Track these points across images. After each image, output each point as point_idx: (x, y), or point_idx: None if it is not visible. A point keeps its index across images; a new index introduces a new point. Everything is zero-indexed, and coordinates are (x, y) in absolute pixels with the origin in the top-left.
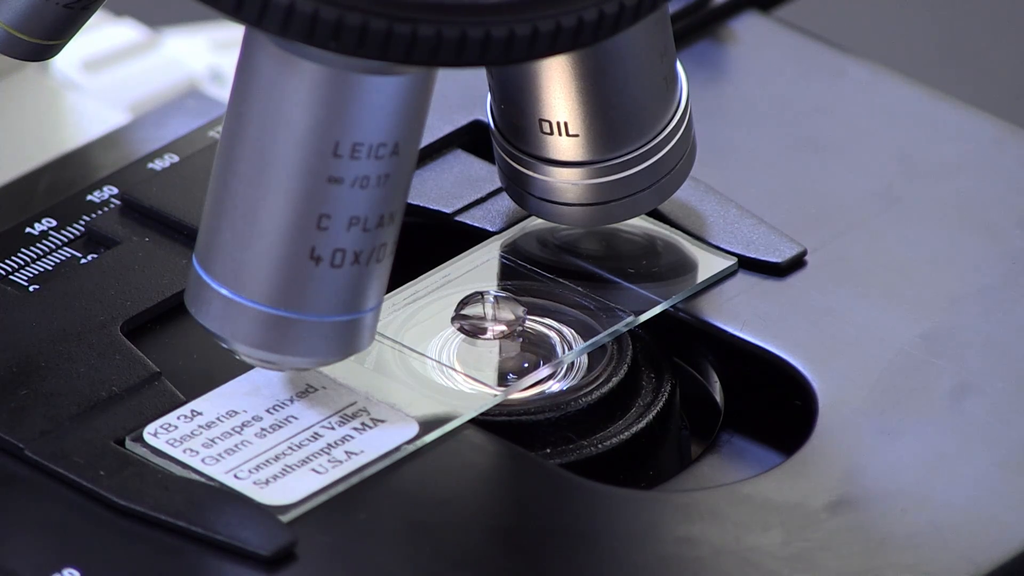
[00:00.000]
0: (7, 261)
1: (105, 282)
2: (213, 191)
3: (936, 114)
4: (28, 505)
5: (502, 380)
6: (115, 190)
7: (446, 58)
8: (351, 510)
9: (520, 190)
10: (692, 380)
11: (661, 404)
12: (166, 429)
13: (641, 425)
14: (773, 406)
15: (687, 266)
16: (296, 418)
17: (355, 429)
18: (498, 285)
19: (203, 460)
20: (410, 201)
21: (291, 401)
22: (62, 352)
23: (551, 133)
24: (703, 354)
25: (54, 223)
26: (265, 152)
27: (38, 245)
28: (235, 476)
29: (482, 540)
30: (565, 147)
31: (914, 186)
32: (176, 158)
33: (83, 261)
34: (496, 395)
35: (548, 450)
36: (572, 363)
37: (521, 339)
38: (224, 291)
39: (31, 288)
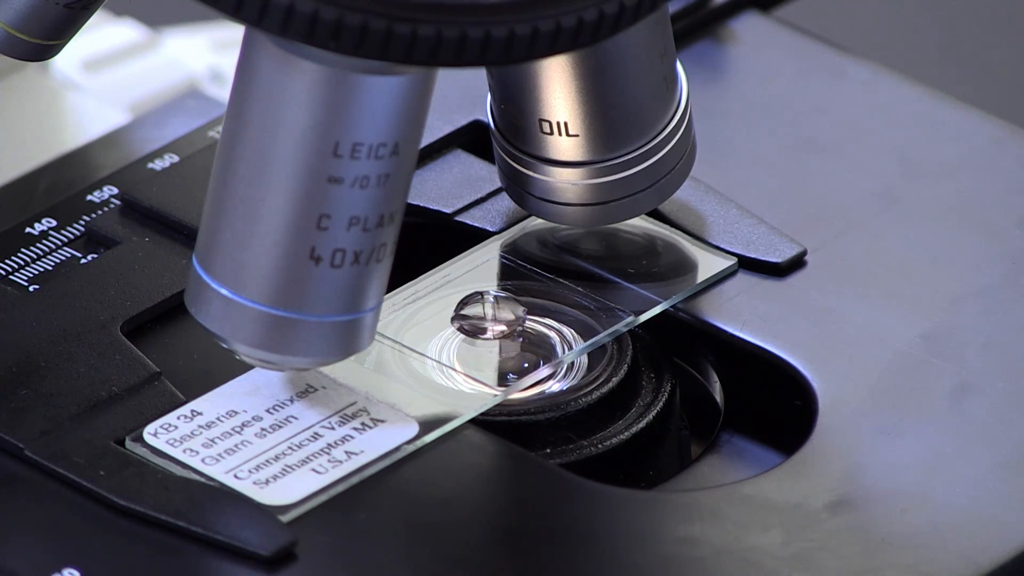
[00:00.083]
0: (7, 261)
1: (105, 282)
2: (213, 191)
3: (936, 114)
4: (28, 505)
5: (502, 380)
6: (115, 190)
7: (446, 58)
8: (351, 510)
9: (520, 190)
10: (692, 380)
11: (661, 404)
12: (166, 429)
13: (641, 425)
14: (773, 406)
15: (687, 266)
16: (296, 418)
17: (355, 429)
18: (498, 285)
19: (203, 460)
20: (410, 201)
21: (291, 401)
22: (62, 352)
23: (551, 133)
24: (703, 354)
25: (54, 223)
26: (265, 152)
27: (38, 245)
28: (235, 476)
29: (482, 540)
30: (565, 147)
31: (914, 186)
32: (176, 158)
33: (83, 261)
34: (496, 395)
35: (548, 450)
36: (572, 363)
37: (521, 339)
38: (224, 291)
39: (31, 288)
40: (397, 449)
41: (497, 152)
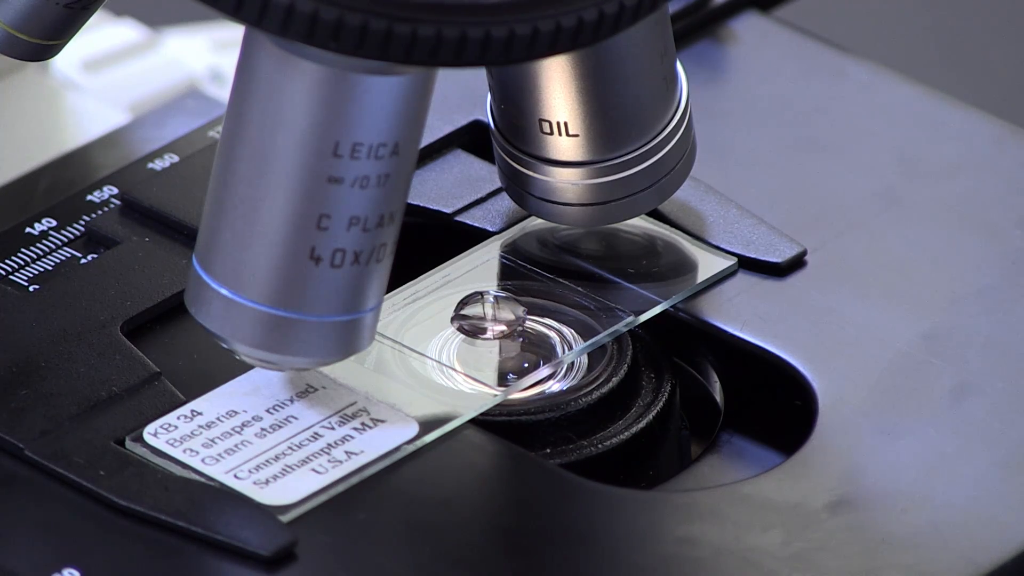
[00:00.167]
0: (7, 261)
1: (105, 282)
2: (213, 191)
3: (936, 114)
4: (28, 505)
5: (502, 380)
6: (115, 190)
7: (446, 58)
8: (351, 510)
9: (520, 190)
10: (692, 380)
11: (661, 404)
12: (166, 429)
13: (641, 425)
14: (773, 406)
15: (687, 266)
16: (296, 418)
17: (355, 429)
18: (498, 285)
19: (203, 460)
20: (410, 201)
21: (291, 401)
22: (62, 352)
23: (551, 133)
24: (703, 354)
25: (54, 223)
26: (265, 152)
27: (38, 245)
28: (235, 476)
29: (482, 540)
30: (565, 147)
31: (914, 186)
32: (176, 158)
33: (83, 261)
34: (496, 395)
35: (548, 450)
36: (572, 363)
37: (521, 339)
38: (224, 291)
39: (31, 288)
40: (397, 449)
41: (497, 152)
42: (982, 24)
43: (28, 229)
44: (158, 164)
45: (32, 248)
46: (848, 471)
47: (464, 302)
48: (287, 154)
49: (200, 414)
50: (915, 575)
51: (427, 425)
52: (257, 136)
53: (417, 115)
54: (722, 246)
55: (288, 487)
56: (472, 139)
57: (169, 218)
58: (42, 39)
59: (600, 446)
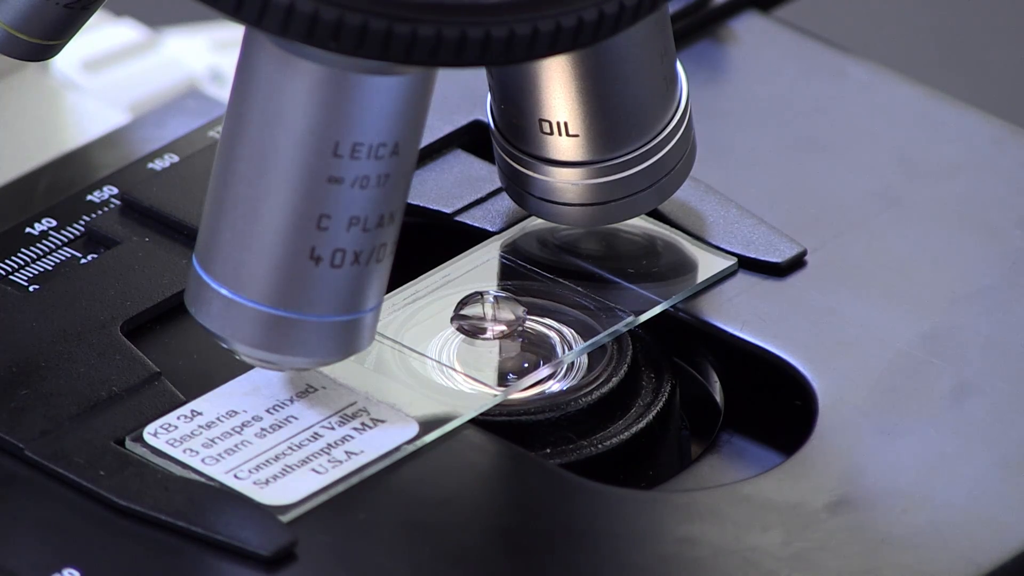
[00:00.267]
0: (7, 261)
1: (105, 282)
2: (213, 191)
3: (936, 114)
4: (28, 505)
5: (502, 380)
6: (115, 190)
7: (446, 58)
8: (351, 510)
9: (520, 190)
10: (692, 380)
11: (661, 404)
12: (166, 429)
13: (641, 425)
14: (773, 406)
15: (687, 266)
16: (296, 418)
17: (355, 429)
18: (498, 285)
19: (203, 460)
20: (410, 201)
21: (291, 401)
22: (62, 352)
23: (551, 133)
24: (703, 354)
25: (54, 223)
26: (265, 152)
27: (38, 245)
28: (235, 476)
29: (482, 540)
30: (565, 147)
31: (914, 186)
32: (176, 158)
33: (83, 261)
34: (496, 395)
35: (548, 450)
36: (572, 363)
37: (521, 339)
38: (224, 291)
39: (31, 288)
40: (397, 449)
41: (497, 152)
42: (982, 24)
43: (28, 229)
44: (158, 164)
45: (32, 248)
46: (848, 471)
47: (464, 302)
48: (287, 154)
49: (200, 414)
50: (915, 575)
51: (427, 425)
52: (257, 136)
53: (417, 115)
54: (722, 246)
55: (288, 487)
56: (472, 139)
57: (169, 218)
58: (42, 39)
59: (600, 446)
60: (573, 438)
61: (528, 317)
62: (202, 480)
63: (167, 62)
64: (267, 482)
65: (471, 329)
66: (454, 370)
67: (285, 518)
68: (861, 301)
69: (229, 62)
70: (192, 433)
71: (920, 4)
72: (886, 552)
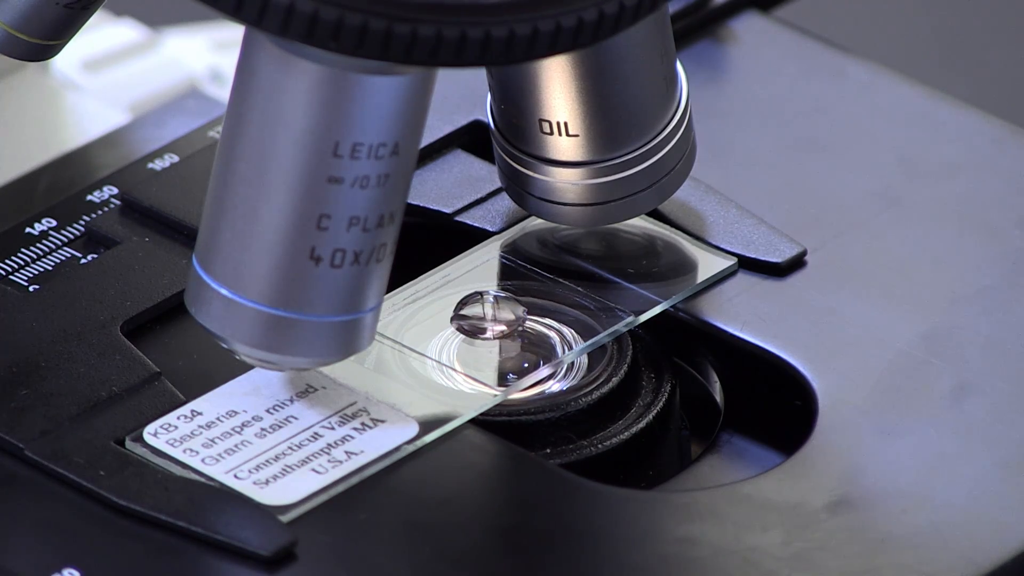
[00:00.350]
0: (7, 261)
1: (105, 282)
2: (213, 191)
3: (936, 114)
4: (28, 505)
5: (502, 380)
6: (115, 190)
7: (446, 58)
8: (351, 510)
9: (520, 190)
10: (692, 380)
11: (661, 404)
12: (166, 429)
13: (641, 425)
14: (773, 406)
15: (687, 266)
16: (296, 418)
17: (355, 429)
18: (498, 285)
19: (203, 460)
20: (410, 201)
21: (291, 401)
22: (62, 352)
23: (551, 133)
24: (703, 354)
25: (54, 223)
26: (265, 152)
27: (38, 245)
28: (235, 476)
29: (482, 540)
30: (565, 147)
31: (914, 186)
32: (176, 158)
33: (83, 261)
34: (496, 395)
35: (548, 450)
36: (572, 363)
37: (521, 339)
38: (224, 291)
39: (31, 288)
40: (397, 449)
41: (497, 152)
42: (982, 24)
43: (28, 229)
44: (158, 164)
45: (32, 248)
46: (848, 471)
47: (464, 302)
48: (287, 154)
49: (200, 414)
50: (915, 575)
51: (427, 425)
52: (257, 136)
53: (417, 115)
54: (722, 246)
55: (288, 487)
56: (472, 139)
57: (169, 218)
58: (42, 39)
59: (600, 446)
60: (573, 438)
61: (528, 317)
62: (202, 480)
63: (167, 62)
64: (267, 482)
65: (471, 329)
66: (454, 370)
67: (285, 518)
68: (861, 301)
69: (229, 62)
70: (192, 433)
71: (920, 4)
72: (886, 552)
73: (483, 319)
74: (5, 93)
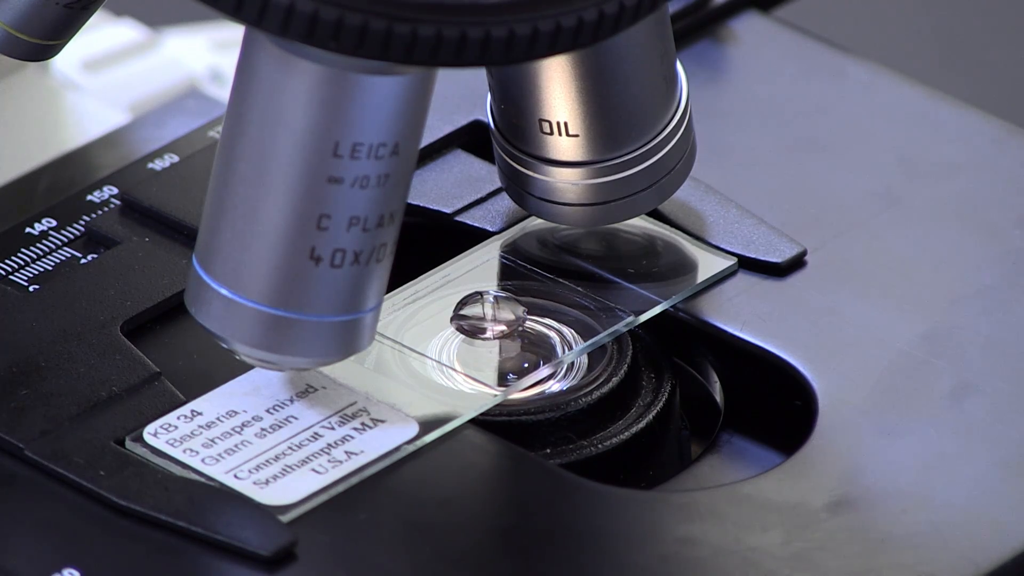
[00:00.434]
0: (7, 261)
1: (105, 282)
2: (213, 191)
3: (936, 114)
4: (28, 505)
5: (502, 380)
6: (115, 190)
7: (446, 58)
8: (351, 510)
9: (520, 190)
10: (692, 380)
11: (661, 404)
12: (166, 429)
13: (641, 425)
14: (773, 406)
15: (687, 266)
16: (296, 418)
17: (355, 429)
18: (498, 285)
19: (203, 460)
20: (410, 201)
21: (291, 401)
22: (62, 352)
23: (551, 133)
24: (703, 354)
25: (54, 223)
26: (265, 152)
27: (38, 245)
28: (235, 476)
29: (482, 540)
30: (565, 147)
31: (914, 186)
32: (176, 158)
33: (83, 261)
34: (496, 395)
35: (548, 450)
36: (572, 363)
37: (521, 339)
38: (224, 291)
39: (31, 288)
40: (397, 449)
41: (497, 152)
42: (982, 24)
43: (28, 229)
44: (158, 164)
45: (32, 248)
46: (848, 471)
47: (464, 302)
48: (287, 154)
49: (200, 414)
50: (915, 575)
51: (427, 425)
52: (257, 136)
53: (417, 115)
54: (722, 246)
55: (288, 487)
56: (472, 139)
57: (169, 218)
58: (42, 39)
59: (600, 446)
60: (573, 438)
61: (528, 317)
62: (202, 480)
63: (167, 62)
64: (267, 482)
65: (471, 329)
66: (454, 370)
67: (285, 518)
68: (861, 301)
69: (229, 62)
70: (192, 433)
71: (920, 4)
72: (886, 552)
73: (483, 319)
74: (5, 93)
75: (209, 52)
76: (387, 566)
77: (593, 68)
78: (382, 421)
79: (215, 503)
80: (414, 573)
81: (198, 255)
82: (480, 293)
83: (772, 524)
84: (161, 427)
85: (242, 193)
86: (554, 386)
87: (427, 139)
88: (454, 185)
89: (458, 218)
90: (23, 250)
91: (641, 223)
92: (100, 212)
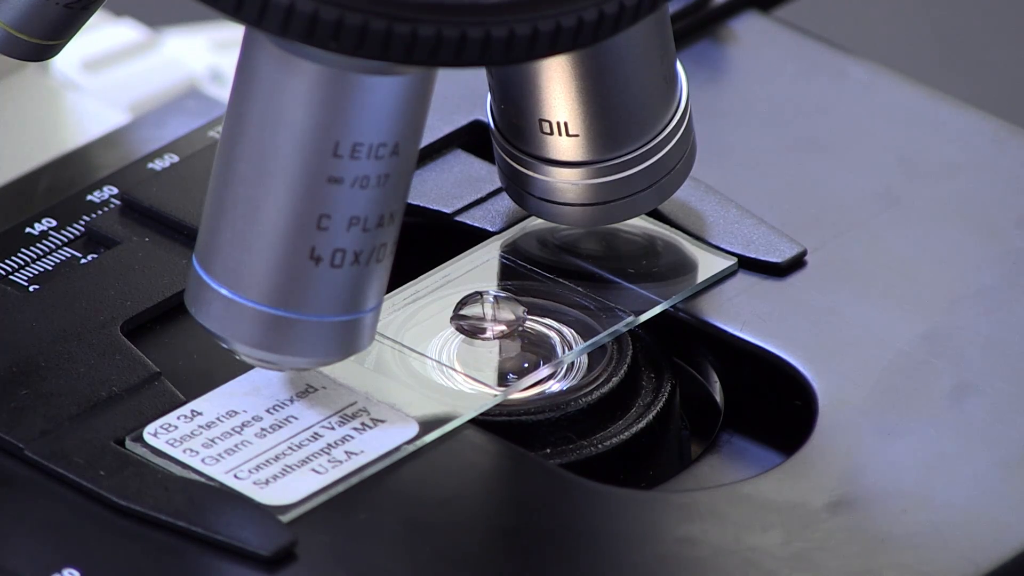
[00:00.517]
0: (7, 261)
1: (105, 282)
2: (213, 191)
3: (936, 114)
4: (28, 505)
5: (502, 380)
6: (115, 190)
7: (446, 58)
8: (351, 510)
9: (520, 190)
10: (692, 380)
11: (661, 404)
12: (166, 429)
13: (641, 425)
14: (773, 406)
15: (687, 266)
16: (296, 418)
17: (355, 429)
18: (498, 285)
19: (203, 460)
20: (410, 201)
21: (291, 401)
22: (62, 352)
23: (551, 133)
24: (703, 354)
25: (54, 223)
26: (265, 152)
27: (38, 245)
28: (235, 476)
29: (482, 540)
30: (565, 147)
31: (914, 186)
32: (176, 158)
33: (83, 261)
34: (496, 395)
35: (548, 450)
36: (572, 363)
37: (521, 339)
38: (224, 291)
39: (31, 288)
40: (397, 449)
41: (497, 152)
42: (982, 24)
43: (28, 229)
44: (158, 164)
45: (32, 248)
46: (848, 471)
47: (464, 302)
48: (287, 154)
49: (200, 414)
50: (915, 575)
51: (427, 425)
52: (257, 136)
53: (417, 115)
54: (722, 246)
55: (288, 487)
56: (472, 139)
57: (169, 218)
58: (42, 39)
59: (600, 446)
60: (573, 438)
61: (528, 317)
62: (202, 480)
63: (167, 62)
64: (267, 482)
65: (471, 329)
66: (454, 370)
67: (285, 518)
68: (861, 301)
69: (229, 62)
70: (192, 433)
71: (920, 4)
72: (886, 552)
73: (483, 319)
74: (5, 93)
75: (209, 52)
76: (387, 566)
77: (593, 68)
78: (382, 421)
79: (215, 503)
80: (414, 573)
81: (198, 255)
82: (480, 293)
83: (772, 524)
84: (161, 427)
85: (242, 193)
86: (554, 386)
87: (427, 139)
88: (454, 185)
89: (458, 218)
90: (23, 250)
91: (641, 223)
92: (100, 212)
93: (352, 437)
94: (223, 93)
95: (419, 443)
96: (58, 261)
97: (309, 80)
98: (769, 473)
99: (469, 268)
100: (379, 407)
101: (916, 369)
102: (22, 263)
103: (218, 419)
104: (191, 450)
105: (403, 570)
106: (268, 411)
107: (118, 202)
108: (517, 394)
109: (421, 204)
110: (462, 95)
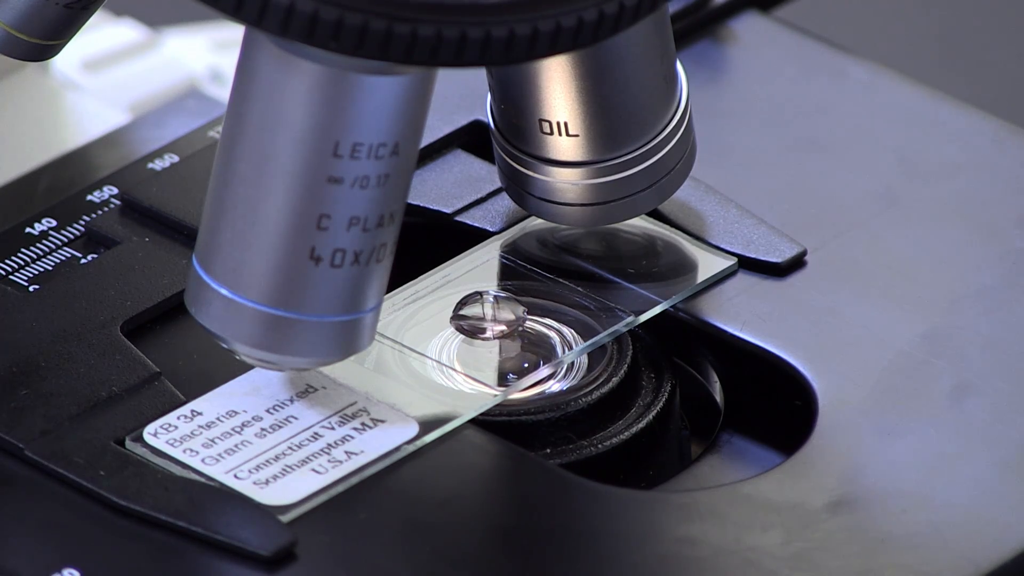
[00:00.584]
0: (7, 261)
1: (105, 282)
2: (213, 191)
3: (936, 114)
4: (28, 505)
5: (502, 380)
6: (115, 190)
7: (446, 58)
8: (351, 510)
9: (520, 190)
10: (692, 380)
11: (661, 404)
12: (166, 429)
13: (641, 425)
14: (773, 406)
15: (687, 266)
16: (296, 418)
17: (355, 429)
18: (498, 285)
19: (203, 460)
20: (410, 201)
21: (291, 401)
22: (62, 352)
23: (551, 133)
24: (703, 354)
25: (54, 223)
26: (265, 152)
27: (38, 245)
28: (235, 476)
29: (482, 540)
30: (565, 147)
31: (914, 186)
32: (176, 158)
33: (83, 261)
34: (496, 395)
35: (548, 450)
36: (572, 363)
37: (521, 339)
38: (224, 291)
39: (31, 288)
40: (397, 449)
41: (497, 152)
42: (982, 24)
43: (28, 229)
44: (158, 164)
45: (32, 248)
46: (848, 471)
47: (464, 302)
48: (287, 154)
49: (200, 414)
50: (915, 575)
51: (427, 425)
52: (257, 136)
53: (417, 115)
54: (722, 246)
55: (288, 487)
56: (472, 139)
57: (169, 218)
58: (42, 39)
59: (600, 446)
60: (573, 438)
61: (528, 317)
62: (202, 480)
63: (167, 62)
64: (267, 482)
65: (471, 329)
66: (454, 370)
67: (285, 518)
68: (861, 301)
69: (229, 62)
70: (192, 433)
71: (920, 4)
72: (886, 552)
73: (483, 319)
74: (5, 93)
75: (209, 52)
76: (387, 566)
77: (593, 68)
78: (382, 421)
79: (215, 503)
80: (414, 573)
81: (198, 255)
82: (480, 293)
83: (772, 524)
84: (161, 427)
85: (242, 193)
86: (554, 386)
87: (427, 139)
88: (454, 185)
89: (458, 218)
90: (23, 250)
91: (641, 223)
92: (100, 212)
93: (352, 437)
94: (223, 93)
95: (419, 443)
96: (58, 261)
97: (309, 80)
98: (769, 473)
99: (469, 268)
100: (379, 407)
101: (916, 369)
102: (22, 263)
103: (218, 419)
104: (191, 450)
105: (403, 570)
106: (268, 411)
107: (118, 202)
108: (517, 394)
109: (421, 204)
110: (462, 95)
